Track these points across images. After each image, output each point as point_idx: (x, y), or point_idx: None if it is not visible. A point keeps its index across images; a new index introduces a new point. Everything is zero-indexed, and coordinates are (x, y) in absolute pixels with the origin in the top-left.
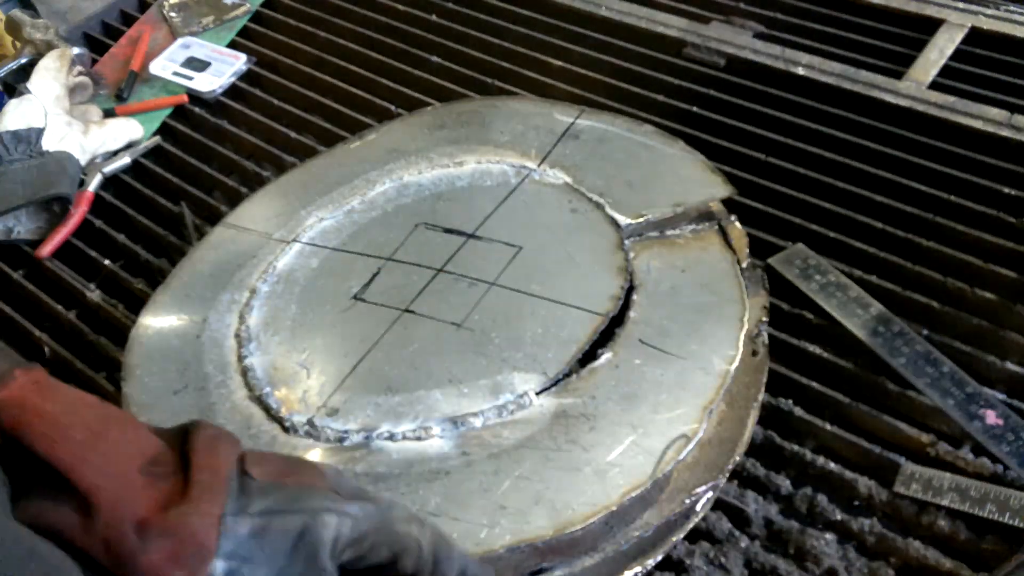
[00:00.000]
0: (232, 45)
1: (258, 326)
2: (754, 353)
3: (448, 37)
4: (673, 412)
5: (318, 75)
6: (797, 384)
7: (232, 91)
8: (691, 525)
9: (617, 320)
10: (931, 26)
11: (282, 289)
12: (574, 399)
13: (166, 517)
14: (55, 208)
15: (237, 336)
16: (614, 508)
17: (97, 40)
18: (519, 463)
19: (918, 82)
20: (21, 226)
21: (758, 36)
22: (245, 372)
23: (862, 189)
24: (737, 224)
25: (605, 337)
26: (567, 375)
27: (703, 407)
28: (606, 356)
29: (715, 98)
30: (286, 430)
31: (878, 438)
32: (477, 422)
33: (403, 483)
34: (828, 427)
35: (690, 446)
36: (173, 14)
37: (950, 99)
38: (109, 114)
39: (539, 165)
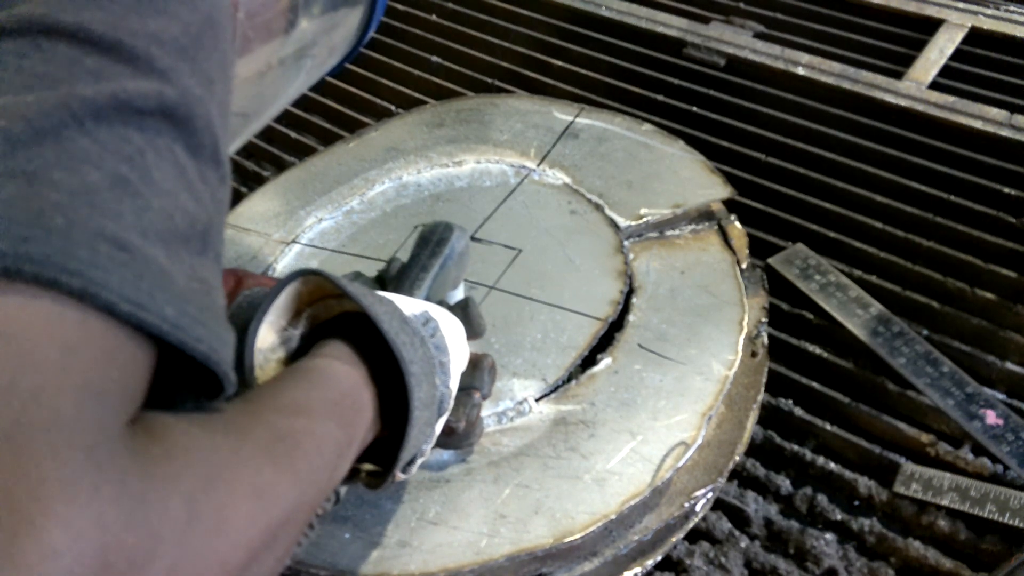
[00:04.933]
0: None
1: None
2: (753, 354)
3: (448, 37)
4: (672, 419)
5: None
6: (797, 384)
7: None
8: (691, 526)
9: (616, 324)
10: (931, 26)
11: None
12: (573, 406)
13: None
14: None
15: None
16: (613, 516)
17: None
18: (519, 471)
19: (918, 82)
20: None
21: (758, 36)
22: None
23: (862, 189)
24: (737, 224)
25: (604, 342)
26: (566, 381)
27: (702, 413)
28: (605, 362)
29: (715, 98)
30: None
31: (878, 438)
32: None
33: (403, 491)
34: (828, 427)
35: (689, 453)
36: None
37: (950, 99)
38: None
39: (538, 165)
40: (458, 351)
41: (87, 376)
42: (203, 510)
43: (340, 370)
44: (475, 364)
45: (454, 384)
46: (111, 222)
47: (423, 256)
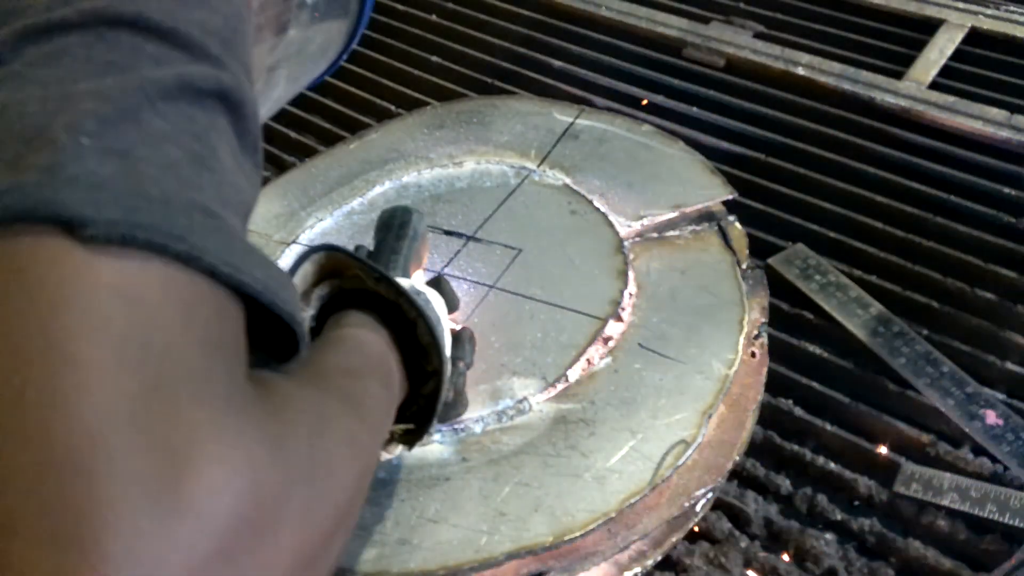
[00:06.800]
0: None
1: None
2: (753, 355)
3: (448, 37)
4: (672, 417)
5: None
6: (797, 384)
7: None
8: (691, 525)
9: (616, 324)
10: (931, 26)
11: None
12: (573, 404)
13: None
14: None
15: None
16: (613, 515)
17: None
18: (519, 469)
19: (918, 82)
20: None
21: (758, 36)
22: None
23: (862, 189)
24: (737, 224)
25: (605, 341)
26: (566, 380)
27: (702, 412)
28: (605, 361)
29: (715, 98)
30: None
31: (878, 438)
32: (476, 427)
33: (403, 489)
34: (828, 427)
35: (689, 451)
36: None
37: (950, 99)
38: None
39: (539, 166)
40: (444, 324)
41: (207, 333)
42: (318, 455)
43: (369, 337)
44: (457, 337)
45: (445, 355)
46: (197, 194)
47: (390, 239)
